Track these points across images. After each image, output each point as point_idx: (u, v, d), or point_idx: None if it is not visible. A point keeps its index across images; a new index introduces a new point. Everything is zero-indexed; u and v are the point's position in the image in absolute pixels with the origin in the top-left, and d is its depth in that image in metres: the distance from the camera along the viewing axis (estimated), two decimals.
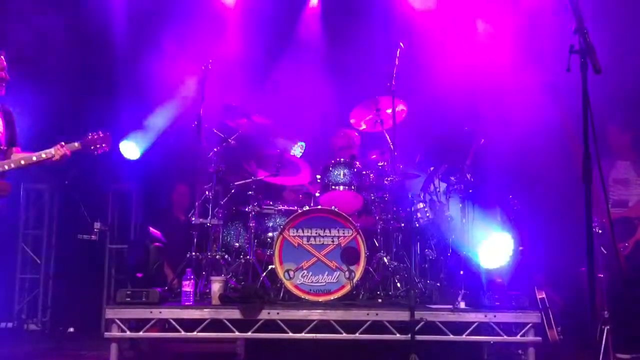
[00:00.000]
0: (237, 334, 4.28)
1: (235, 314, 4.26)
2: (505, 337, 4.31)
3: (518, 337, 4.26)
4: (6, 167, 4.34)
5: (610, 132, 5.60)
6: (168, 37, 6.67)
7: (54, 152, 4.36)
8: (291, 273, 4.78)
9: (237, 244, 5.71)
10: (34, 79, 6.45)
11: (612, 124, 5.58)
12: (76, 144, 4.45)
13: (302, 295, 4.70)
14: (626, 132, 5.57)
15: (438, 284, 5.08)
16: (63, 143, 4.40)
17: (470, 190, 5.40)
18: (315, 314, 4.27)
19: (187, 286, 4.47)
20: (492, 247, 5.54)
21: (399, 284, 5.04)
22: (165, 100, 6.73)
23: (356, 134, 6.28)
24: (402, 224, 5.40)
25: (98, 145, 4.50)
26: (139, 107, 6.93)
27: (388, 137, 5.51)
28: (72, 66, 6.69)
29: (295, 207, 5.47)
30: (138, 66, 6.99)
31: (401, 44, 5.47)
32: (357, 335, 4.23)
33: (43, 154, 4.37)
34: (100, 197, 7.39)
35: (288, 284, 4.75)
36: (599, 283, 4.64)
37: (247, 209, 5.48)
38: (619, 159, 5.58)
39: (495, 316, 4.24)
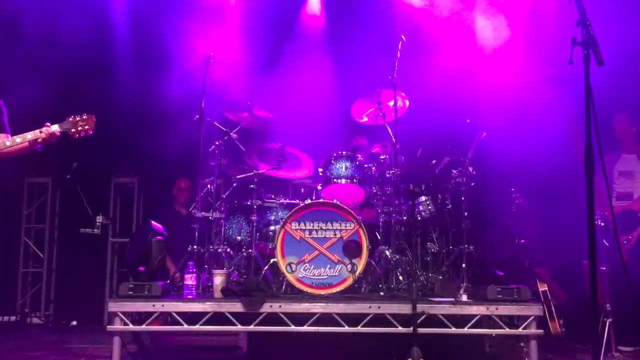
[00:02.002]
0: (239, 327, 4.28)
1: (237, 307, 4.26)
2: (507, 329, 4.32)
3: (520, 329, 4.26)
4: None
5: (619, 121, 5.58)
6: (171, 29, 6.65)
7: (39, 133, 4.13)
8: (293, 266, 4.79)
9: (239, 238, 5.72)
10: (36, 69, 6.49)
11: (621, 113, 5.57)
12: (55, 127, 4.17)
13: (304, 289, 4.71)
14: (634, 123, 5.56)
15: (440, 277, 5.08)
16: (48, 124, 4.18)
17: (472, 184, 5.40)
18: (318, 307, 4.27)
19: (190, 279, 4.48)
20: (494, 239, 5.55)
21: (400, 277, 5.04)
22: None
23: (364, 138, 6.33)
24: (404, 217, 5.40)
25: (80, 128, 4.20)
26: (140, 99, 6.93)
27: (390, 130, 5.50)
28: (74, 59, 6.68)
29: (297, 201, 5.47)
30: (140, 59, 7.00)
31: (403, 36, 5.45)
32: (359, 328, 4.24)
33: (29, 135, 4.14)
34: (103, 191, 7.40)
35: (290, 277, 4.75)
36: (601, 276, 4.65)
37: (249, 203, 5.48)
38: (624, 152, 5.57)
39: (497, 309, 4.24)
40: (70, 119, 4.23)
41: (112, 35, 7.02)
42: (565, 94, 5.17)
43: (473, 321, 4.25)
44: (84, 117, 4.24)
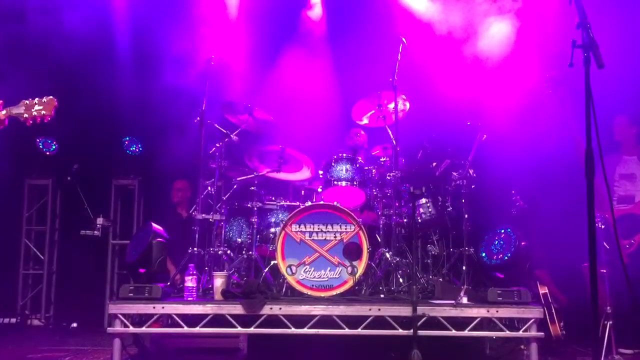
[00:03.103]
0: (239, 329, 4.28)
1: (237, 309, 4.26)
2: (507, 332, 4.31)
3: (521, 332, 4.26)
4: None
5: (619, 122, 5.56)
6: (172, 32, 6.66)
7: None
8: (293, 268, 4.78)
9: (239, 240, 5.73)
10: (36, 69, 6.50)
11: (620, 115, 5.54)
12: (3, 112, 3.67)
13: (305, 291, 4.71)
14: (634, 125, 5.53)
15: (440, 279, 5.07)
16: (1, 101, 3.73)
17: (473, 186, 5.40)
18: (318, 310, 4.27)
19: (190, 281, 4.48)
20: (494, 242, 5.55)
21: (401, 280, 5.04)
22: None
23: (362, 132, 6.31)
24: (405, 220, 5.40)
25: (35, 113, 3.69)
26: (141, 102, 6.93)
27: (390, 132, 5.51)
28: (74, 59, 6.69)
29: (298, 203, 5.47)
30: (141, 62, 7.00)
31: (403, 39, 5.46)
32: (359, 331, 4.24)
33: None
34: (103, 193, 7.41)
35: (290, 280, 4.75)
36: (602, 278, 4.64)
37: (249, 205, 5.48)
38: (625, 154, 5.55)
39: (497, 311, 4.23)
40: (27, 102, 3.73)
41: (113, 37, 7.02)
42: (566, 96, 5.16)
43: (473, 324, 4.24)
44: (43, 100, 3.74)
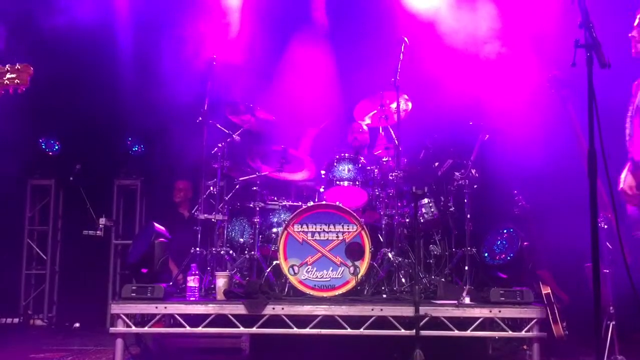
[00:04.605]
0: (241, 329, 4.28)
1: (240, 309, 4.26)
2: (510, 332, 4.31)
3: (523, 332, 4.25)
4: None
5: None
6: (174, 32, 6.66)
7: None
8: (296, 268, 4.78)
9: (241, 240, 5.73)
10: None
11: None
12: None
13: (307, 291, 4.71)
14: None
15: (443, 280, 5.07)
16: None
17: (475, 186, 5.39)
18: (320, 310, 4.27)
19: (192, 281, 4.48)
20: (497, 242, 5.54)
21: (403, 280, 5.04)
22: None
23: (365, 128, 6.30)
24: (407, 219, 5.40)
25: (7, 82, 3.19)
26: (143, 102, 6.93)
27: (392, 132, 5.50)
28: (75, 61, 6.69)
29: (300, 203, 5.47)
30: (143, 61, 7.00)
31: (405, 39, 5.46)
32: (361, 331, 4.23)
33: None
34: (106, 193, 7.42)
35: (293, 280, 4.75)
36: (604, 278, 4.62)
37: (251, 205, 5.48)
38: None
39: (500, 311, 4.23)
40: None
41: (116, 37, 7.02)
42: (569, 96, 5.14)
43: (476, 324, 4.24)
44: (16, 67, 3.22)
